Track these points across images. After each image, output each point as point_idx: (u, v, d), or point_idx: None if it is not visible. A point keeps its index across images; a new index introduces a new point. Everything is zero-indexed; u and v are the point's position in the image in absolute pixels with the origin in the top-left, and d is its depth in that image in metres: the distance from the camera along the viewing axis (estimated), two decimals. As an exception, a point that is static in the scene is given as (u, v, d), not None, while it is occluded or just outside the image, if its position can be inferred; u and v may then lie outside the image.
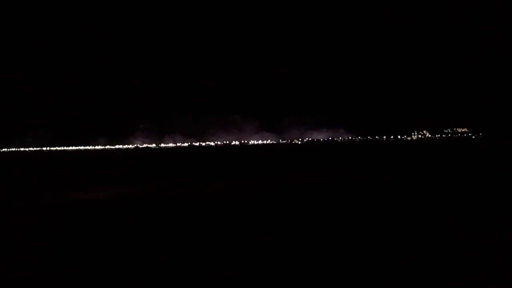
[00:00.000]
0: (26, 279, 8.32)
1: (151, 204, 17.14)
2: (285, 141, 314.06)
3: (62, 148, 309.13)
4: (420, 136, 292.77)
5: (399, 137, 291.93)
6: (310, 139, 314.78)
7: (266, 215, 13.83)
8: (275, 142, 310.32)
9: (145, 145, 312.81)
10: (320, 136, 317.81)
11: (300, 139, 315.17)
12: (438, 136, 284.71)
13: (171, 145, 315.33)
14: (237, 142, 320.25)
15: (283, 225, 12.19)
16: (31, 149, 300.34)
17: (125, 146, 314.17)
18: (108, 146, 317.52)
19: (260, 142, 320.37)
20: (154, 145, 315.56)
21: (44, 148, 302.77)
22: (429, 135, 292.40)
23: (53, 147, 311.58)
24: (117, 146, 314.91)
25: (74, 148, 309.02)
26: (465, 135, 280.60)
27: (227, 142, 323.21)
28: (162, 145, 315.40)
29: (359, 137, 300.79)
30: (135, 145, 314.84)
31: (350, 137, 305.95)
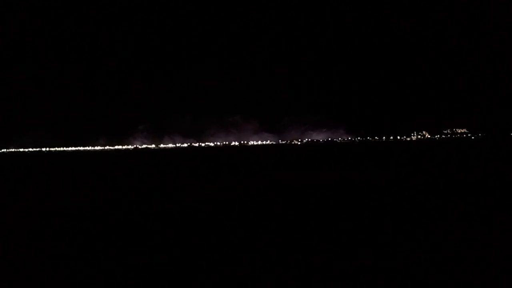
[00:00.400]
0: (26, 279, 8.32)
1: (151, 204, 17.13)
2: (285, 141, 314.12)
3: (61, 148, 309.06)
4: (419, 136, 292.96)
5: (398, 137, 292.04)
6: (309, 139, 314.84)
7: (266, 215, 13.84)
8: (274, 143, 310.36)
9: (144, 146, 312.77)
10: (320, 136, 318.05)
11: (299, 140, 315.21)
12: (437, 137, 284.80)
13: (170, 145, 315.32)
14: (236, 143, 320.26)
15: (283, 225, 12.19)
16: (30, 149, 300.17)
17: (124, 147, 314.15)
18: (107, 147, 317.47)
19: (259, 142, 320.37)
20: (153, 145, 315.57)
21: (44, 149, 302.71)
22: (429, 136, 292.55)
23: (53, 147, 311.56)
24: (116, 147, 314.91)
25: (73, 148, 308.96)
26: (464, 135, 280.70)
27: (227, 142, 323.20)
28: (162, 145, 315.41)
29: (359, 138, 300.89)
30: (135, 146, 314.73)
31: (349, 138, 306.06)
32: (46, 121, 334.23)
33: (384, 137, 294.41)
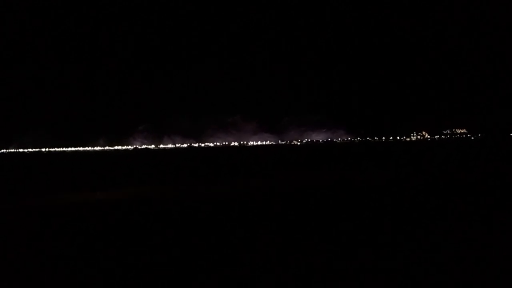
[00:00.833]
0: (26, 279, 8.32)
1: (151, 204, 17.13)
2: (284, 142, 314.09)
3: (61, 149, 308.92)
4: (419, 137, 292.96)
5: (398, 138, 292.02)
6: (309, 140, 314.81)
7: (265, 215, 13.83)
8: (274, 143, 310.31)
9: (144, 146, 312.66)
10: (319, 137, 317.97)
11: (299, 140, 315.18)
12: (437, 137, 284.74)
13: (170, 146, 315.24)
14: (236, 143, 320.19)
15: (283, 225, 12.19)
16: (30, 150, 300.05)
17: (124, 147, 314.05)
18: (107, 147, 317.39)
19: (259, 143, 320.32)
20: (153, 146, 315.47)
21: (43, 149, 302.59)
22: (428, 136, 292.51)
23: (53, 147, 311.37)
24: (116, 147, 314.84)
25: (73, 149, 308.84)
26: (463, 136, 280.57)
27: (226, 143, 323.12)
28: (161, 146, 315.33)
29: (358, 138, 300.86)
30: (134, 146, 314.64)
31: (349, 138, 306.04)
32: (46, 121, 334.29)
33: (384, 138, 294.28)
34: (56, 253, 10.01)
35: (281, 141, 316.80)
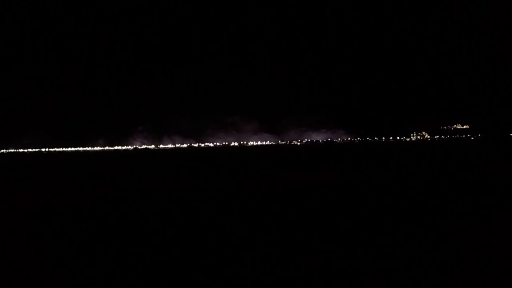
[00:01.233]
0: (26, 279, 8.32)
1: (151, 204, 17.13)
2: (284, 142, 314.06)
3: (61, 149, 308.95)
4: (419, 137, 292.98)
5: (398, 137, 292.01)
6: (309, 140, 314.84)
7: (266, 215, 13.83)
8: (274, 143, 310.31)
9: (144, 146, 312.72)
10: (319, 137, 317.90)
11: (299, 140, 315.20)
12: (437, 137, 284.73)
13: (170, 146, 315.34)
14: (236, 143, 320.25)
15: (283, 225, 12.19)
16: (30, 150, 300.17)
17: (124, 147, 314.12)
18: (107, 147, 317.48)
19: (259, 143, 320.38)
20: (153, 146, 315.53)
21: (43, 149, 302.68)
22: (428, 136, 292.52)
23: (53, 147, 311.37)
24: (116, 147, 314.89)
25: (73, 149, 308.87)
26: (464, 135, 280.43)
27: (226, 143, 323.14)
28: (161, 146, 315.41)
29: (358, 138, 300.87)
30: (134, 146, 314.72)
31: (349, 138, 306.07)
32: (46, 121, 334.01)
33: (384, 138, 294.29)
34: (56, 253, 10.01)
35: (281, 141, 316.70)
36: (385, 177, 25.30)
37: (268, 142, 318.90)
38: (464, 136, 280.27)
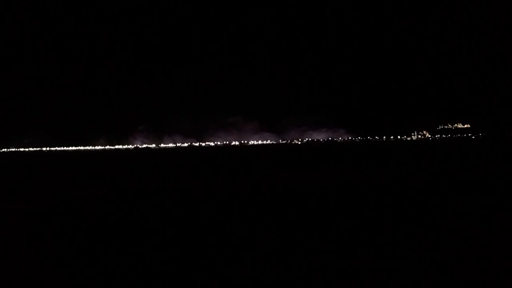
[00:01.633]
0: (26, 279, 8.32)
1: (151, 204, 17.13)
2: (285, 141, 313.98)
3: (62, 148, 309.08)
4: (420, 136, 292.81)
5: (399, 137, 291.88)
6: (309, 139, 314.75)
7: (266, 214, 13.83)
8: (274, 143, 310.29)
9: (145, 146, 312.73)
10: (320, 136, 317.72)
11: (300, 139, 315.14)
12: (438, 136, 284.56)
13: (171, 145, 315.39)
14: (237, 142, 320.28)
15: (283, 224, 12.18)
16: (30, 149, 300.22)
17: (124, 147, 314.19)
18: (107, 147, 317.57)
19: (259, 142, 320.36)
20: (154, 145, 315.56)
21: (44, 148, 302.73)
22: (429, 135, 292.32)
23: (53, 147, 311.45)
24: (116, 147, 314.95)
25: (74, 148, 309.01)
26: (464, 135, 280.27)
27: (227, 142, 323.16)
28: (162, 145, 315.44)
29: (359, 137, 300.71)
30: (135, 146, 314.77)
31: (350, 137, 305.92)
32: (46, 121, 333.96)
33: (384, 137, 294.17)
34: (56, 253, 10.01)
35: (281, 141, 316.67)
36: (386, 176, 25.30)
37: (269, 141, 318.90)
38: (465, 135, 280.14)
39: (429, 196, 16.79)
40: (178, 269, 8.53)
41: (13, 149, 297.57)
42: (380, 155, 59.63)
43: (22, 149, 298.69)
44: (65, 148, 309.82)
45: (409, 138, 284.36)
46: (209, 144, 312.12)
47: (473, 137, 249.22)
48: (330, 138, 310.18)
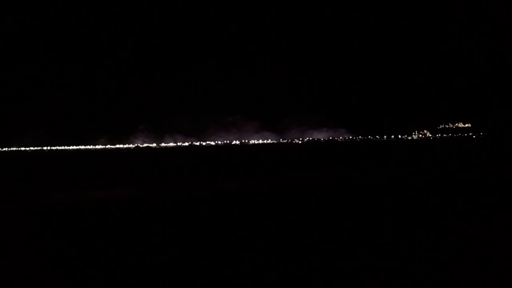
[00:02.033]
0: (26, 279, 8.31)
1: (151, 204, 17.12)
2: (286, 140, 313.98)
3: (62, 147, 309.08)
4: (420, 135, 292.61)
5: (399, 136, 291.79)
6: (310, 138, 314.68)
7: (266, 214, 13.82)
8: (275, 142, 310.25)
9: (145, 145, 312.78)
10: (321, 135, 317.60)
11: (300, 139, 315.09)
12: (438, 136, 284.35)
13: (171, 144, 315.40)
14: (237, 142, 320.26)
15: (283, 224, 12.17)
16: (31, 148, 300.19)
17: (125, 146, 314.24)
18: (108, 146, 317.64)
19: (260, 141, 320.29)
20: (154, 144, 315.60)
21: (45, 148, 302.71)
22: (430, 135, 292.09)
23: (53, 146, 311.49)
24: (117, 146, 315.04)
25: (74, 147, 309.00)
26: (466, 134, 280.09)
27: (228, 141, 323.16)
28: (163, 144, 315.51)
29: (359, 137, 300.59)
30: (136, 145, 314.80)
31: (350, 137, 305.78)
32: (46, 121, 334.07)
33: (385, 137, 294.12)
34: (56, 253, 10.01)
35: (282, 140, 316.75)
36: (386, 176, 25.28)
37: (269, 141, 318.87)
38: (466, 134, 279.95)
39: (429, 196, 16.78)
40: (178, 269, 8.52)
41: (14, 149, 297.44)
42: (381, 154, 59.61)
43: (22, 148, 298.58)
44: (65, 147, 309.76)
45: (409, 138, 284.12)
46: (209, 144, 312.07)
47: (474, 137, 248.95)
48: (330, 138, 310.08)
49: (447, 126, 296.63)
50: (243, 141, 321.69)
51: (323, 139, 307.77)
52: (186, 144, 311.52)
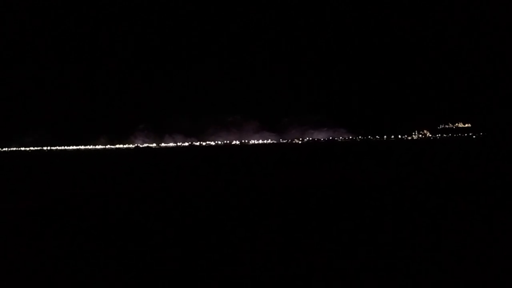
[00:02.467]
0: (26, 279, 8.31)
1: (151, 204, 17.12)
2: (286, 140, 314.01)
3: (62, 147, 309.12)
4: (420, 135, 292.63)
5: (399, 136, 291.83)
6: (310, 138, 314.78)
7: (266, 214, 13.82)
8: (275, 142, 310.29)
9: (145, 145, 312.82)
10: (321, 135, 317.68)
11: (300, 139, 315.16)
12: (438, 136, 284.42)
13: (171, 144, 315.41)
14: (237, 142, 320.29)
15: (283, 224, 12.17)
16: (31, 148, 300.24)
17: (125, 146, 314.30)
18: (108, 146, 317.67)
19: (260, 141, 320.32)
20: (154, 144, 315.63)
21: (45, 148, 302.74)
22: (430, 135, 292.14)
23: (53, 146, 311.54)
24: (117, 146, 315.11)
25: (74, 147, 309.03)
26: (465, 134, 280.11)
27: (228, 141, 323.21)
28: (163, 144, 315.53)
29: (360, 137, 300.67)
30: (136, 145, 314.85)
31: (350, 137, 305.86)
32: (46, 121, 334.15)
33: (385, 137, 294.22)
34: (56, 253, 10.01)
35: (282, 140, 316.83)
36: (386, 176, 25.28)
37: (269, 141, 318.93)
38: (466, 134, 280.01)
39: (429, 196, 16.78)
40: (178, 269, 8.52)
41: (14, 149, 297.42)
42: (381, 154, 59.61)
43: (22, 149, 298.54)
44: (65, 147, 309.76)
45: (409, 138, 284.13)
46: (209, 144, 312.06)
47: (474, 137, 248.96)
48: (330, 138, 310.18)
49: (447, 126, 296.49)
50: (243, 141, 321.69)
51: (323, 139, 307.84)
52: (186, 144, 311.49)
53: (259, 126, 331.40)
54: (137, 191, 21.71)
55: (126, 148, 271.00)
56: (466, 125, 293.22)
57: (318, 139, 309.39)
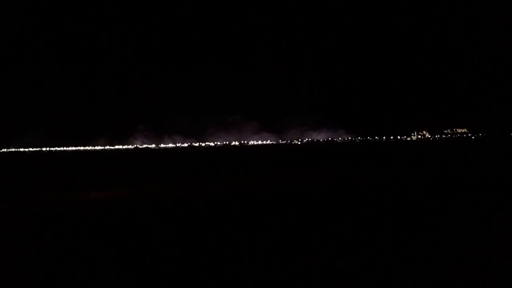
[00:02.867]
0: (26, 279, 8.31)
1: (151, 204, 17.12)
2: (285, 141, 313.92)
3: (62, 148, 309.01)
4: (420, 136, 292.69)
5: (399, 137, 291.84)
6: (309, 139, 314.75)
7: (266, 214, 13.82)
8: (274, 143, 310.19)
9: (144, 146, 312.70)
10: (320, 136, 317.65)
11: (299, 140, 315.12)
12: (438, 137, 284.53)
13: (171, 145, 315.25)
14: (236, 143, 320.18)
15: (283, 224, 12.18)
16: (31, 149, 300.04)
17: (124, 147, 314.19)
18: (107, 147, 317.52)
19: (259, 142, 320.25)
20: (153, 145, 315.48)
21: (44, 149, 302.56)
22: (429, 136, 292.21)
23: (53, 147, 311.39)
24: (116, 147, 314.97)
25: (74, 148, 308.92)
26: (464, 135, 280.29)
27: (227, 142, 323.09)
28: (162, 145, 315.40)
29: (359, 138, 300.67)
30: (135, 146, 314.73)
31: (349, 138, 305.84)
32: (46, 121, 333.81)
33: (384, 137, 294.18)
34: (56, 253, 10.01)
35: (281, 141, 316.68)
36: (386, 176, 25.29)
37: (268, 142, 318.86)
38: (464, 135, 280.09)
39: (429, 196, 16.79)
40: (178, 269, 8.52)
41: (13, 149, 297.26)
42: (380, 155, 59.61)
43: (22, 149, 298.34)
44: (65, 148, 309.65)
45: (409, 138, 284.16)
46: (209, 144, 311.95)
47: (473, 137, 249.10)
48: (330, 138, 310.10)
49: (445, 131, 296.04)
50: (242, 141, 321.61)
51: (322, 140, 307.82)
52: (185, 145, 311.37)
53: (259, 126, 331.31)
54: (137, 191, 21.70)
55: (125, 149, 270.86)
56: (464, 130, 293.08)
57: (318, 140, 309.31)
